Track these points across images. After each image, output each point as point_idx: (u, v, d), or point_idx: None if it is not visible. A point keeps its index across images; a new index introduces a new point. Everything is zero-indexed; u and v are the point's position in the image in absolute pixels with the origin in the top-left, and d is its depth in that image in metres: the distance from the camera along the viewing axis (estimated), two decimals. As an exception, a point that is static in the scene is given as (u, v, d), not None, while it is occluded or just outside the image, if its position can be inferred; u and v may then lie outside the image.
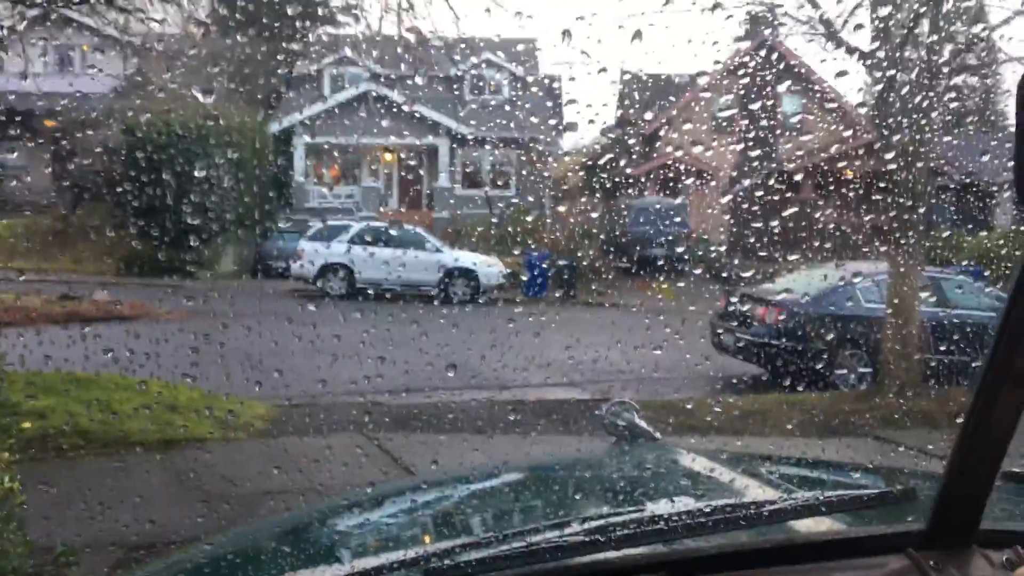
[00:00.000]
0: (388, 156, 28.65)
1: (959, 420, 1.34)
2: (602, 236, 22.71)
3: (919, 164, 9.42)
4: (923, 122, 9.43)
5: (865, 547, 1.47)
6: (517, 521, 1.98)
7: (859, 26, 9.46)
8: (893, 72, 9.46)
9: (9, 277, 16.72)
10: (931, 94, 9.50)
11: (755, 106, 22.74)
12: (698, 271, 18.00)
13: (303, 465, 6.64)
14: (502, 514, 2.12)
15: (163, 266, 19.39)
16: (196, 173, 19.89)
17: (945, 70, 9.92)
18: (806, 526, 1.57)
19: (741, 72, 21.41)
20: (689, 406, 8.96)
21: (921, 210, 9.69)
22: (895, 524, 1.55)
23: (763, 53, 19.08)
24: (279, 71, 24.01)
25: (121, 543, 4.77)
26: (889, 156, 9.78)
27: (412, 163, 28.73)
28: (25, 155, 24.67)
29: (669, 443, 2.68)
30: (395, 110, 26.25)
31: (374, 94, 25.91)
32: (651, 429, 2.48)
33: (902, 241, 9.54)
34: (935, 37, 9.53)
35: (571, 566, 1.37)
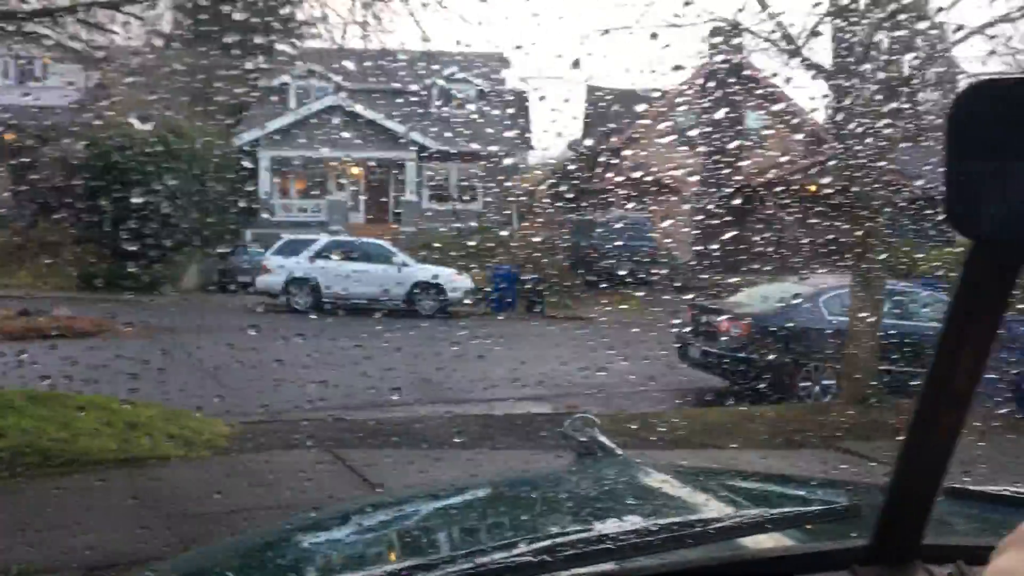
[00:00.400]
0: (355, 170, 28.56)
1: (900, 438, 1.36)
2: (569, 250, 22.79)
3: (881, 178, 9.58)
4: (884, 136, 9.58)
5: (810, 563, 1.49)
6: (467, 541, 1.98)
7: (816, 33, 9.60)
8: (853, 87, 9.62)
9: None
10: (891, 109, 9.67)
11: (719, 121, 23.00)
12: (664, 285, 18.11)
13: (266, 482, 6.57)
14: (453, 533, 2.11)
15: (125, 281, 19.13)
16: (158, 187, 19.68)
17: (904, 85, 10.11)
18: (753, 542, 1.59)
19: (705, 88, 21.63)
20: (655, 419, 9.00)
21: (883, 223, 9.85)
22: (841, 540, 1.57)
23: (726, 69, 19.29)
24: (244, 84, 23.87)
25: (80, 564, 4.68)
26: (850, 171, 9.92)
27: (379, 177, 28.66)
28: (-17, 169, 24.25)
29: (630, 458, 2.69)
30: (361, 123, 26.19)
31: (340, 107, 25.84)
32: (612, 444, 2.48)
33: (864, 254, 9.68)
34: (894, 53, 9.71)
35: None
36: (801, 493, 2.34)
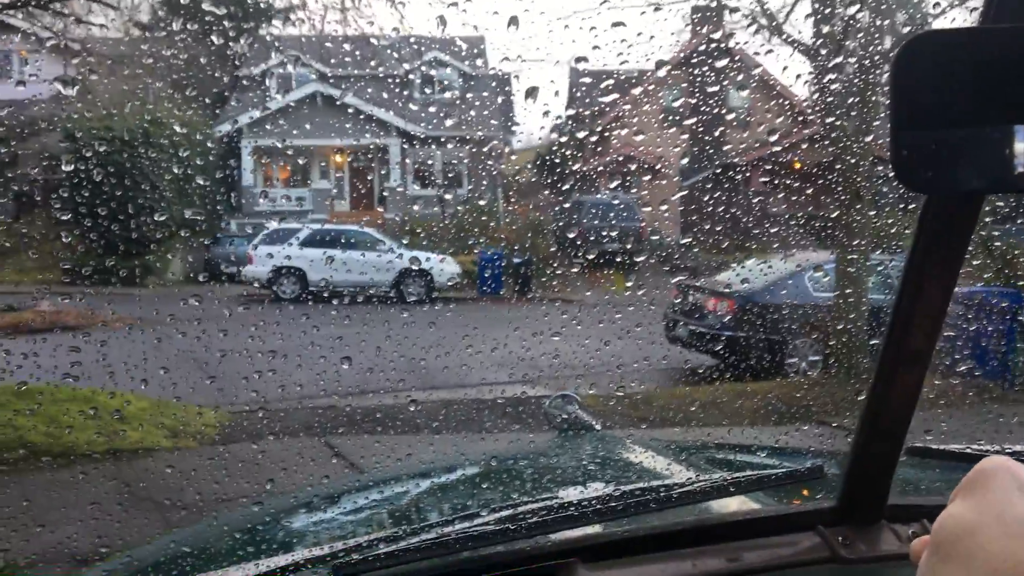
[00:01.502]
0: (338, 157, 28.44)
1: (861, 398, 1.38)
2: (555, 232, 22.80)
3: (864, 153, 9.60)
4: (866, 111, 9.60)
5: (775, 526, 1.51)
6: (433, 515, 2.00)
7: (796, 9, 9.59)
8: (834, 62, 9.63)
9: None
10: (873, 83, 9.67)
11: (703, 100, 22.98)
12: (651, 264, 18.14)
13: (256, 471, 6.58)
14: (423, 508, 2.13)
15: (109, 274, 19.03)
16: (140, 178, 19.56)
17: (885, 60, 10.11)
18: (719, 506, 1.61)
19: (687, 69, 21.61)
20: (643, 398, 9.04)
21: (867, 198, 9.88)
22: (807, 502, 1.59)
23: (709, 47, 19.28)
24: (223, 73, 23.71)
25: (70, 555, 4.68)
26: (833, 146, 9.95)
27: (363, 163, 28.55)
28: (-37, 164, 24.03)
29: (609, 434, 2.72)
30: (344, 110, 26.05)
31: (321, 94, 25.69)
32: (592, 421, 2.51)
33: (849, 229, 9.72)
34: (875, 27, 9.72)
35: (482, 555, 1.38)
36: (768, 459, 2.37)
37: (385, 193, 27.78)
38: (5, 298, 14.67)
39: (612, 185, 26.10)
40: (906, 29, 9.96)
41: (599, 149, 27.28)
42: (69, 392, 7.94)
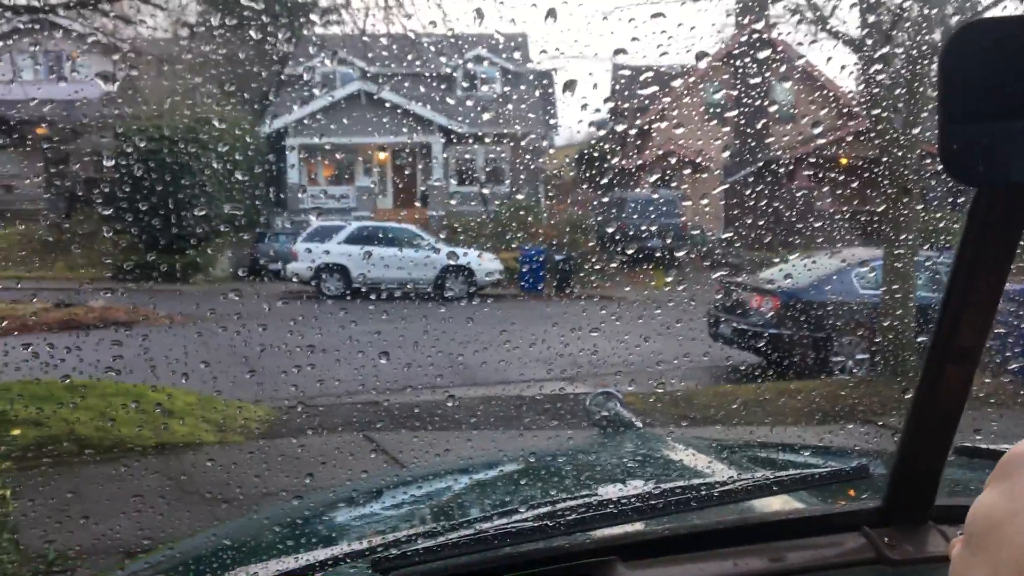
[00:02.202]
0: (381, 155, 28.61)
1: (908, 396, 1.34)
2: (597, 229, 22.72)
3: (911, 146, 9.42)
4: (914, 103, 9.41)
5: (819, 526, 1.48)
6: (475, 511, 1.99)
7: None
8: (881, 53, 9.46)
9: (4, 285, 16.70)
10: (921, 74, 9.49)
11: (747, 95, 22.73)
12: (692, 260, 18.00)
13: (301, 466, 6.64)
14: (462, 504, 2.13)
15: (158, 271, 19.38)
16: (187, 176, 19.87)
17: (931, 53, 9.91)
18: (760, 506, 1.58)
19: (730, 62, 21.39)
20: (684, 395, 8.97)
21: (915, 192, 9.70)
22: (852, 502, 1.56)
23: (751, 41, 19.05)
24: (269, 72, 23.99)
25: (117, 549, 4.76)
26: (880, 139, 9.77)
27: (405, 161, 28.70)
28: (18, 163, 24.63)
29: (649, 432, 2.70)
30: (387, 108, 26.21)
31: (364, 92, 25.86)
32: (632, 418, 2.49)
33: (896, 225, 9.54)
34: (922, 16, 9.52)
35: (520, 552, 1.37)
36: (812, 459, 2.33)
37: (427, 190, 27.90)
38: (55, 294, 14.99)
39: (653, 180, 25.94)
40: (955, 18, 9.75)
41: (640, 144, 27.12)
42: (116, 386, 8.09)
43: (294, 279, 18.95)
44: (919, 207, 9.96)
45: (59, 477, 6.08)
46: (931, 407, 1.30)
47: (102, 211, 21.89)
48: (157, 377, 8.24)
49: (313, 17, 23.83)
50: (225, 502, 5.73)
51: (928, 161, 9.70)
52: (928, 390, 1.29)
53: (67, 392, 7.77)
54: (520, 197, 26.13)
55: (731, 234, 20.65)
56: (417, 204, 28.13)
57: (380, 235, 19.93)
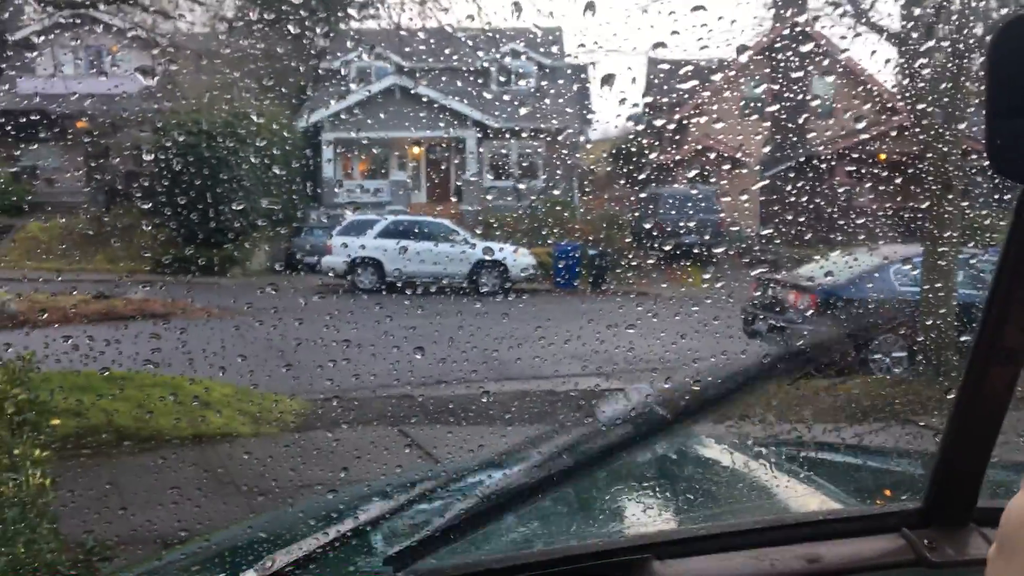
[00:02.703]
0: (416, 149, 28.71)
1: (950, 396, 1.31)
2: (632, 225, 22.62)
3: (955, 141, 9.25)
4: (954, 101, 9.25)
5: (858, 526, 1.45)
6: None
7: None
8: (926, 47, 9.29)
9: (45, 277, 16.98)
10: (966, 69, 9.31)
11: (785, 90, 22.49)
12: (730, 257, 17.86)
13: (335, 460, 6.68)
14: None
15: (196, 264, 19.62)
16: (224, 170, 20.07)
17: (976, 47, 9.72)
18: (797, 505, 1.56)
19: (770, 55, 21.17)
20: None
21: (955, 191, 9.53)
22: (892, 503, 1.53)
23: (791, 35, 18.84)
24: (306, 67, 24.16)
25: (155, 538, 4.82)
26: (924, 134, 9.61)
27: (440, 156, 28.77)
28: (58, 157, 25.05)
29: (686, 429, 2.66)
30: (422, 103, 26.28)
31: (399, 87, 25.95)
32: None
33: (937, 222, 9.38)
34: (968, 9, 9.34)
35: (556, 549, 1.36)
36: (851, 458, 2.29)
37: (461, 184, 27.95)
38: (95, 286, 15.21)
39: (690, 176, 25.77)
40: (1003, 11, 9.55)
41: (677, 139, 26.95)
42: (154, 378, 8.19)
43: (329, 273, 19.07)
44: (964, 203, 9.79)
45: (98, 467, 6.17)
46: (974, 407, 1.28)
47: (141, 205, 22.19)
48: (194, 369, 8.33)
49: (350, 12, 23.95)
50: (261, 494, 5.78)
51: (974, 157, 9.53)
52: (971, 390, 1.27)
53: (106, 383, 7.88)
54: (555, 192, 26.08)
55: (769, 230, 20.46)
56: (451, 199, 28.19)
57: (414, 229, 20.00)
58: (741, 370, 1.45)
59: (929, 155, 9.28)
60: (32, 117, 21.64)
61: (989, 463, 1.35)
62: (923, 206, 9.58)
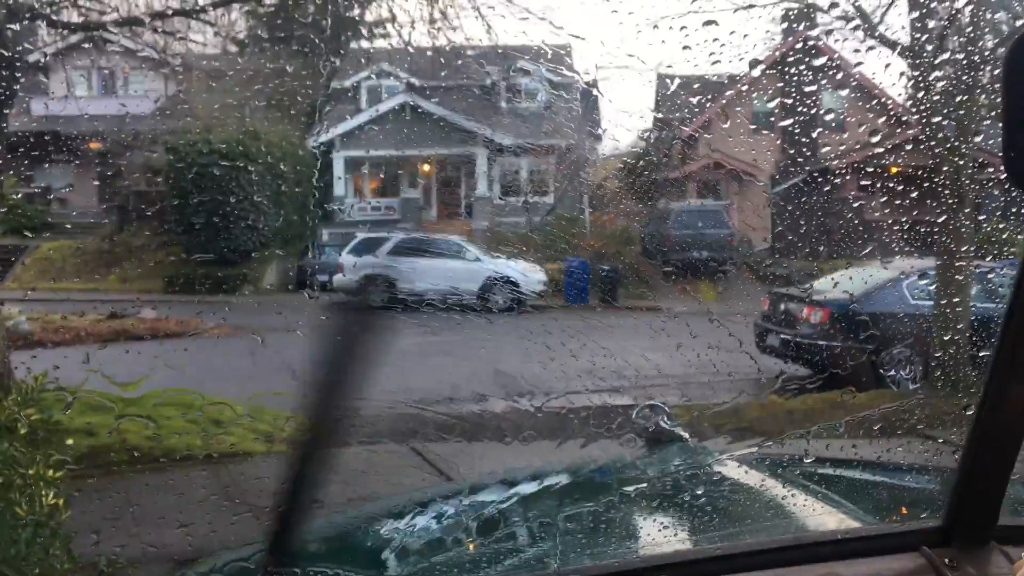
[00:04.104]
0: (426, 167, 28.79)
1: (969, 412, 1.29)
2: (643, 241, 22.60)
3: (963, 156, 9.21)
4: (968, 113, 9.21)
5: (877, 545, 1.43)
6: (518, 526, 1.96)
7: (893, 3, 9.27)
8: (932, 62, 9.28)
9: (58, 297, 17.07)
10: (976, 84, 9.28)
11: (795, 104, 22.50)
12: (741, 273, 17.80)
13: (347, 476, 6.65)
14: (505, 518, 2.10)
15: (208, 283, 19.69)
16: (236, 189, 20.18)
17: (990, 59, 9.70)
18: (815, 523, 1.53)
19: (779, 70, 21.17)
20: (734, 409, 8.84)
21: (969, 204, 9.48)
22: (911, 521, 1.51)
23: (801, 50, 18.85)
24: (316, 86, 24.32)
25: (168, 557, 4.80)
26: (934, 150, 9.58)
27: (450, 173, 28.84)
28: (71, 177, 25.23)
29: (698, 446, 2.65)
30: (432, 120, 26.38)
31: (410, 105, 26.06)
32: (681, 432, 2.44)
33: (951, 236, 9.34)
34: (976, 24, 9.32)
35: (571, 570, 1.34)
36: (868, 475, 2.26)
37: (471, 201, 27.99)
38: (108, 305, 15.27)
39: (699, 191, 25.75)
40: (1017, 22, 9.53)
41: (687, 155, 26.95)
42: (166, 397, 8.19)
43: (341, 291, 19.09)
44: (981, 217, 9.74)
45: (110, 487, 6.16)
46: (994, 423, 1.26)
47: (153, 224, 22.32)
48: (206, 387, 8.33)
49: (360, 31, 24.10)
50: (273, 512, 5.75)
51: (991, 169, 9.49)
52: (991, 406, 1.24)
53: (119, 403, 7.89)
54: (565, 208, 26.10)
55: (781, 245, 20.41)
56: (462, 216, 28.23)
57: (425, 247, 20.02)
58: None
59: (945, 168, 9.25)
60: (45, 138, 21.83)
61: (1010, 480, 1.33)
62: (939, 220, 9.54)
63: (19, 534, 3.14)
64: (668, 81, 25.61)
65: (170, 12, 9.63)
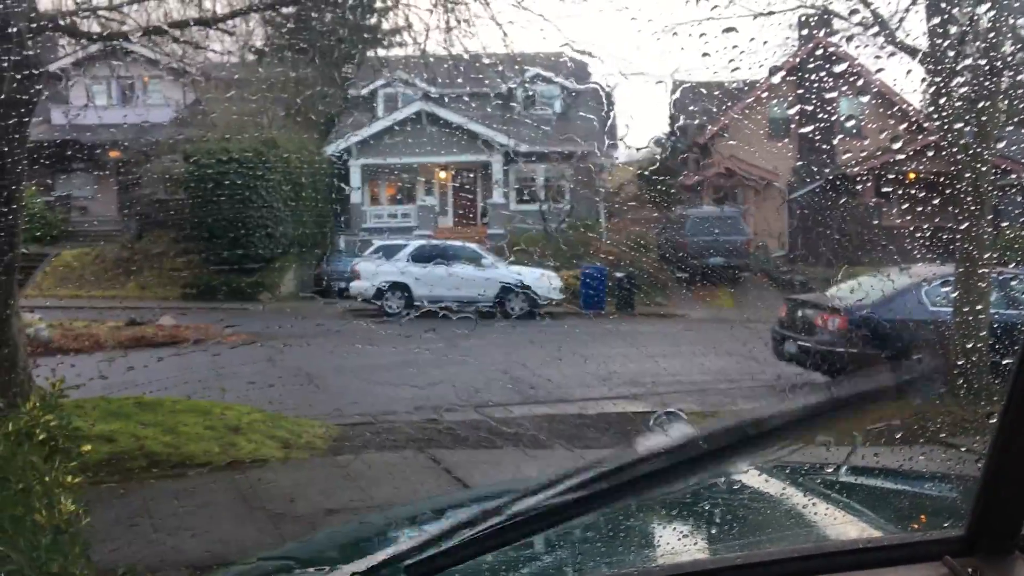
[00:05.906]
0: (442, 174, 28.85)
1: (992, 420, 1.27)
2: (659, 247, 22.54)
3: (984, 162, 9.14)
4: (986, 119, 9.14)
5: (898, 555, 1.41)
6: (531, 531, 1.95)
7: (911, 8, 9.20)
8: (952, 68, 9.21)
9: (78, 304, 17.19)
10: (996, 90, 9.20)
11: (812, 110, 22.39)
12: (758, 279, 17.73)
13: (364, 483, 6.66)
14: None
15: (226, 290, 19.81)
16: (255, 198, 20.28)
17: (1009, 64, 9.62)
18: (835, 533, 1.52)
19: (796, 76, 21.10)
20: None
21: (988, 209, 9.39)
22: (933, 530, 1.48)
23: (818, 56, 18.78)
24: (333, 94, 24.41)
25: (187, 563, 4.81)
26: (952, 156, 9.51)
27: (466, 180, 28.88)
28: (91, 186, 25.44)
29: (722, 458, 2.61)
30: (448, 128, 26.44)
31: (426, 113, 26.12)
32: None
33: (970, 242, 9.25)
34: (995, 29, 9.25)
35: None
36: (889, 483, 2.23)
37: (487, 208, 28.02)
38: (127, 313, 15.37)
39: (717, 198, 25.67)
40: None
41: (704, 161, 26.89)
42: (184, 403, 8.23)
43: (358, 298, 19.14)
44: (1003, 223, 9.65)
45: (129, 493, 6.19)
46: (1018, 430, 1.24)
47: (171, 232, 22.46)
48: (224, 394, 8.37)
49: (377, 39, 24.20)
50: (291, 518, 5.76)
51: (1013, 176, 9.40)
52: (1014, 413, 1.23)
53: (137, 409, 7.93)
54: (581, 215, 26.07)
55: (797, 252, 20.31)
56: (478, 223, 28.25)
57: (442, 254, 20.03)
58: (778, 413, 1.42)
59: (966, 174, 9.17)
60: (66, 147, 22.03)
61: None
62: (960, 226, 9.44)
63: (39, 540, 3.16)
64: (684, 87, 25.58)
65: (189, 22, 9.69)
